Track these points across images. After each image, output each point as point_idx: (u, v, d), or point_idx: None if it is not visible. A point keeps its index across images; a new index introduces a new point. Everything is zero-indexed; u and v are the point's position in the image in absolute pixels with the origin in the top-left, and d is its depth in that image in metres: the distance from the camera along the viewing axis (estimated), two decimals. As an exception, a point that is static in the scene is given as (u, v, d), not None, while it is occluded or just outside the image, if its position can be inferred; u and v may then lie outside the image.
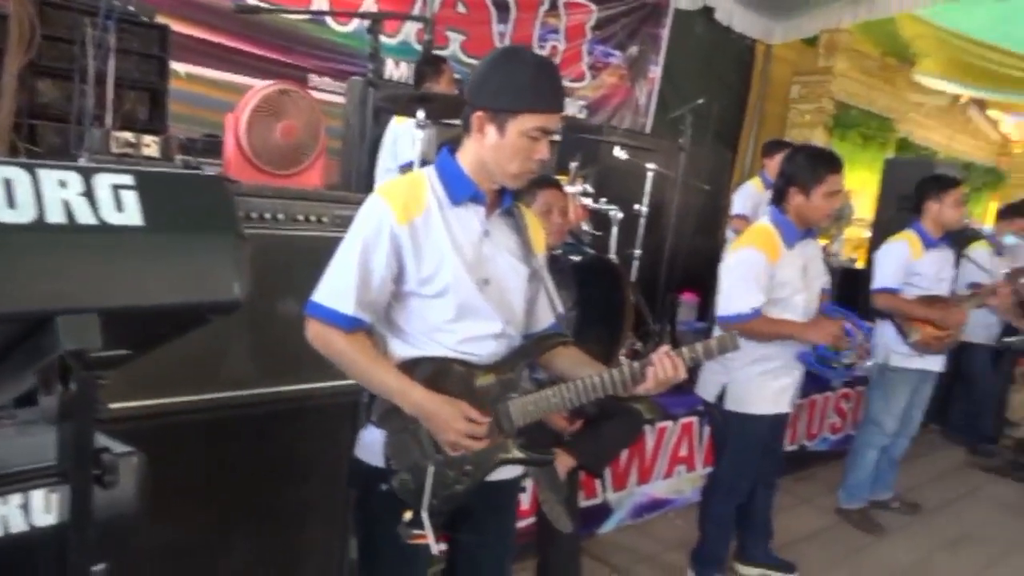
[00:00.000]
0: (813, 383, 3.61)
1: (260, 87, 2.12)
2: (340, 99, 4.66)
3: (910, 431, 3.95)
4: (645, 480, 3.56)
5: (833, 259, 5.67)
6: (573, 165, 3.86)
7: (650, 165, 4.23)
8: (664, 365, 1.57)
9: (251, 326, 1.94)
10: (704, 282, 5.28)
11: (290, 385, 2.01)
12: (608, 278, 3.16)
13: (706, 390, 2.88)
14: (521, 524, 2.18)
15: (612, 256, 3.90)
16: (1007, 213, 5.38)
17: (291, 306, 1.98)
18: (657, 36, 6.91)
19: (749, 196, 5.01)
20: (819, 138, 7.32)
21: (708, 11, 6.95)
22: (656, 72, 6.98)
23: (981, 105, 9.80)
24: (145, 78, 3.46)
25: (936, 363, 3.73)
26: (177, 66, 4.10)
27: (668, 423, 3.59)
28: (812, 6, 6.97)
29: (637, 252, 4.25)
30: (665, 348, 1.60)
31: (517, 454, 1.65)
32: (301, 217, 2.01)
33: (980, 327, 4.93)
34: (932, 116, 9.28)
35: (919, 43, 7.51)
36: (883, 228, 5.25)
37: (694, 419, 3.71)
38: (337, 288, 1.53)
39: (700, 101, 4.57)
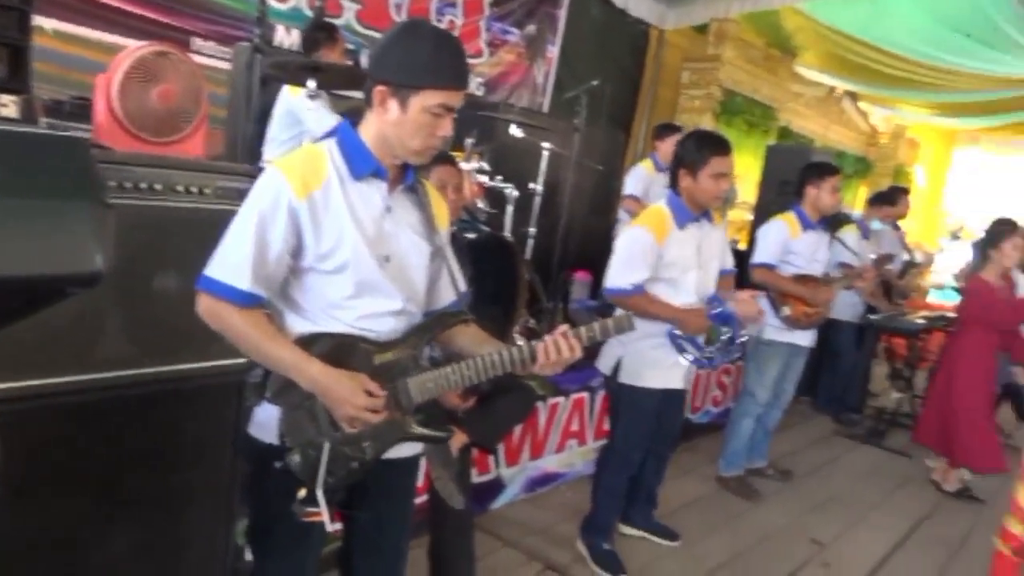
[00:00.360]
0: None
1: (135, 47, 1.99)
2: (226, 65, 4.44)
3: (782, 403, 4.20)
4: (538, 455, 3.62)
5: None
6: (469, 142, 3.84)
7: (545, 144, 4.26)
8: (561, 344, 1.60)
9: (126, 302, 1.82)
10: (597, 261, 5.38)
11: (168, 365, 1.90)
12: (503, 256, 3.18)
13: (604, 363, 2.99)
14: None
15: (507, 234, 3.92)
16: (875, 201, 5.80)
17: (170, 281, 1.88)
18: (555, 16, 6.94)
19: (640, 178, 5.15)
20: (707, 123, 7.58)
21: (605, -7, 7.05)
22: (553, 52, 7.02)
23: (854, 97, 10.41)
24: (3, 32, 3.17)
25: (805, 338, 3.97)
26: (43, 21, 3.78)
27: (560, 399, 3.66)
28: (703, -6, 7.20)
29: (532, 230, 4.29)
30: (564, 328, 1.62)
31: (416, 430, 1.64)
32: (181, 188, 1.90)
33: (846, 306, 5.31)
34: (810, 106, 9.78)
35: (800, 36, 7.88)
36: (764, 211, 5.50)
37: (585, 395, 3.80)
38: (232, 263, 1.47)
39: (595, 83, 4.63)
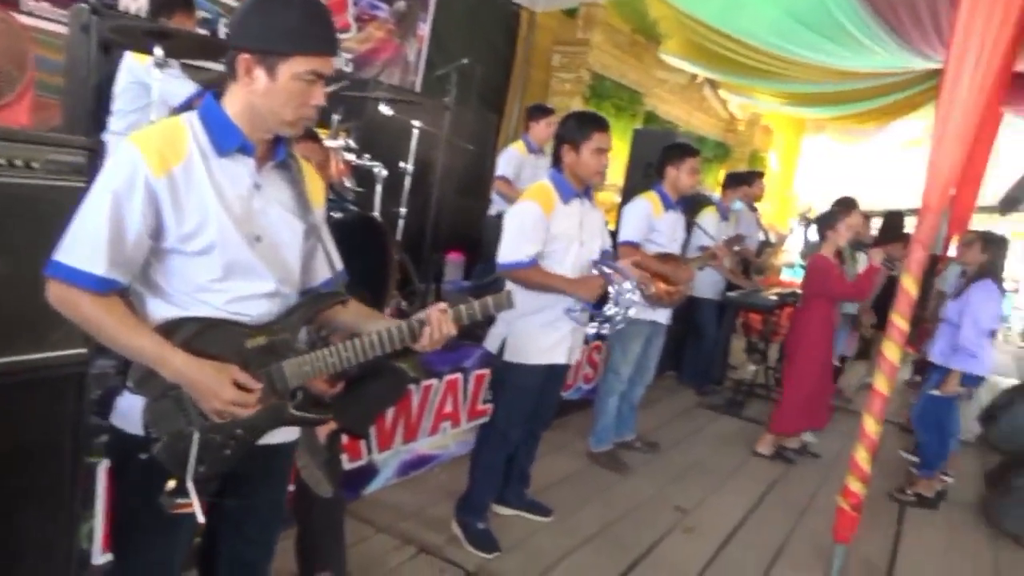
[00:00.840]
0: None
1: (-57, 2, 1.77)
2: (64, 29, 4.05)
3: (645, 379, 4.37)
4: (411, 438, 3.58)
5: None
6: (335, 118, 3.71)
7: (416, 123, 4.18)
8: (439, 323, 1.59)
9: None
10: (469, 242, 5.38)
11: (-8, 357, 1.72)
12: (372, 236, 3.10)
13: (490, 342, 3.02)
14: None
15: (376, 214, 3.83)
16: (732, 182, 6.06)
17: (-10, 265, 1.70)
18: (425, -7, 6.82)
19: (512, 159, 5.16)
20: (577, 106, 7.69)
21: (475, -28, 6.98)
22: (424, 30, 6.90)
23: (714, 85, 10.90)
24: None
25: (664, 316, 4.15)
26: None
27: (434, 381, 3.63)
28: (573, -22, 7.28)
29: (403, 211, 4.21)
30: (442, 305, 1.62)
31: (294, 414, 1.58)
32: (3, 161, 1.70)
33: (707, 284, 5.59)
34: (674, 92, 10.14)
35: (664, 24, 8.12)
36: (631, 193, 5.65)
37: (459, 376, 3.79)
38: (85, 247, 1.35)
39: (465, 61, 4.57)
